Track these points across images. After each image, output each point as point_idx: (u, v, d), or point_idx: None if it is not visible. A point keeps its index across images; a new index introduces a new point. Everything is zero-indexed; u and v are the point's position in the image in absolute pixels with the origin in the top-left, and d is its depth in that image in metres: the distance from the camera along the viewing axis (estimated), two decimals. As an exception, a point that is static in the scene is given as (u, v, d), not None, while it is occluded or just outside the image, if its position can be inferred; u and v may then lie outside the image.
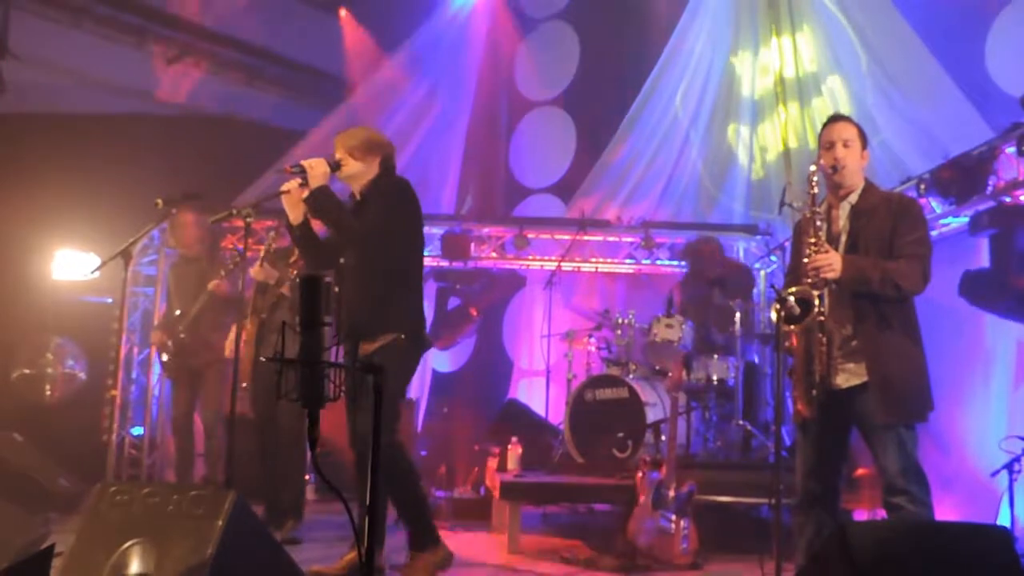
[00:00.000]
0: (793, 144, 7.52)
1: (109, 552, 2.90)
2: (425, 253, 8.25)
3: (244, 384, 5.35)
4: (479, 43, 9.23)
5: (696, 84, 7.93)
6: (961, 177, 5.37)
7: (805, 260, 3.64)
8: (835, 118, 3.91)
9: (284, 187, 4.28)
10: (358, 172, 4.35)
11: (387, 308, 4.25)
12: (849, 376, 3.63)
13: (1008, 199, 5.22)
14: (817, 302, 3.57)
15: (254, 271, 5.33)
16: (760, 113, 7.90)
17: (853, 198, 3.76)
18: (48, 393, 6.82)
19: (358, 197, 4.41)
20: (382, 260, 4.28)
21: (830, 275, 3.57)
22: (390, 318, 4.24)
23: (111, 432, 6.30)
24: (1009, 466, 4.82)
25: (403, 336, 4.22)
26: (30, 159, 7.77)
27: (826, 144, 3.79)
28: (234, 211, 4.75)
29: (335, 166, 4.29)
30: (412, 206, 4.39)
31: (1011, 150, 5.06)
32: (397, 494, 4.30)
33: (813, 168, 3.75)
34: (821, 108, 7.14)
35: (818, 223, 3.69)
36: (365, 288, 4.27)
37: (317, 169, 4.19)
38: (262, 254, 5.32)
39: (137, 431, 7.65)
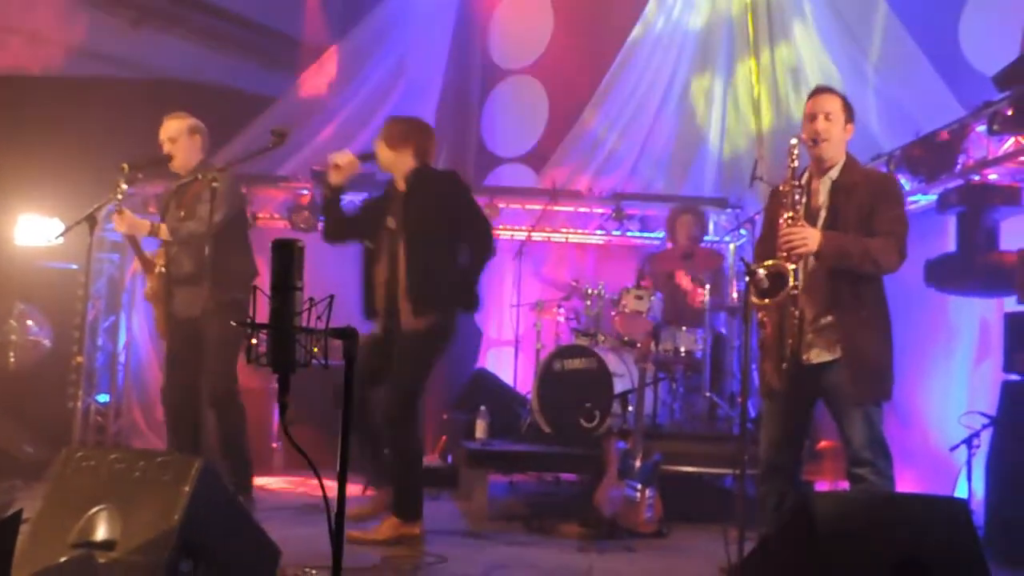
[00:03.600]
0: (765, 118, 7.53)
1: (76, 517, 2.87)
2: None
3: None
4: (451, 10, 9.11)
5: (670, 56, 7.91)
6: (931, 155, 5.40)
7: (781, 234, 3.64)
8: (819, 89, 3.87)
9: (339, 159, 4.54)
10: (390, 162, 4.57)
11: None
12: (820, 352, 3.65)
13: (977, 177, 5.27)
14: (791, 277, 3.59)
15: (116, 221, 4.84)
16: (733, 82, 7.89)
17: (834, 173, 3.74)
18: (12, 360, 6.70)
19: (401, 187, 4.56)
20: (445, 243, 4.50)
21: (803, 250, 3.57)
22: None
23: (76, 399, 6.21)
24: (968, 441, 4.90)
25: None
26: (-8, 122, 7.60)
27: (808, 116, 3.75)
28: (199, 176, 4.69)
29: (365, 157, 4.61)
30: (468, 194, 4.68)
31: (981, 128, 5.08)
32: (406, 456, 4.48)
33: (794, 141, 3.71)
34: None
35: (796, 197, 3.67)
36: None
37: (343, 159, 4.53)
38: (116, 203, 4.70)
39: (103, 398, 7.59)
